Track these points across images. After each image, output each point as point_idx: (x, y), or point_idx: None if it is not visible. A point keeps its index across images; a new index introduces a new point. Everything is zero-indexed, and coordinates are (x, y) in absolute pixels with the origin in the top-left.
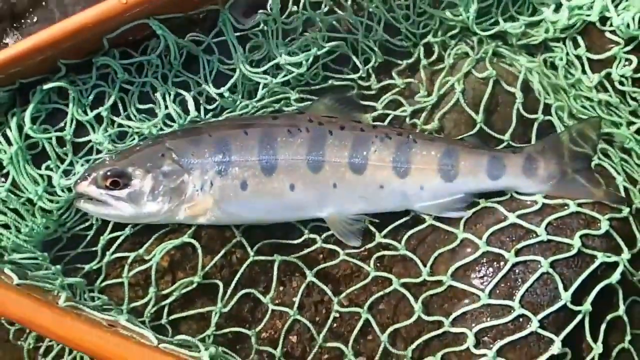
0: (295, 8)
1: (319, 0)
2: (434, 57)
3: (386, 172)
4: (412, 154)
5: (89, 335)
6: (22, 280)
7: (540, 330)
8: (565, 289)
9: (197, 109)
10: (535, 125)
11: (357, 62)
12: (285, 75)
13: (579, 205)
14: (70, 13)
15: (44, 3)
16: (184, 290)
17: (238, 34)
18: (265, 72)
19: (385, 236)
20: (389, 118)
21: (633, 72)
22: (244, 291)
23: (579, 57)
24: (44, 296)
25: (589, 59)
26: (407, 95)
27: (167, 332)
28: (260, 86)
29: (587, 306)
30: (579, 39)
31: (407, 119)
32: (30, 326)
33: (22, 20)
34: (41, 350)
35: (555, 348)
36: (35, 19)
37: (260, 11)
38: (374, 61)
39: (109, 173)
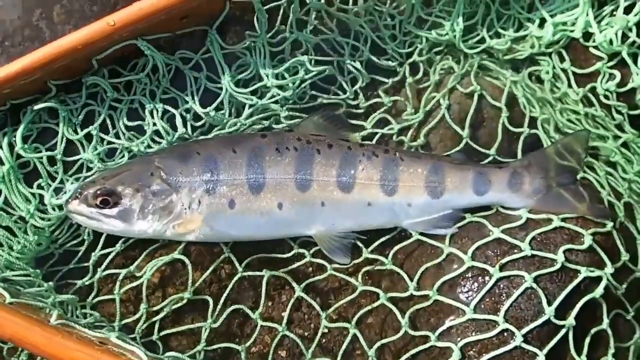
0: (282, 27)
1: (305, 19)
2: (420, 75)
3: (374, 190)
4: (399, 172)
5: (79, 353)
6: (15, 299)
7: (524, 345)
8: (549, 303)
9: (185, 126)
10: (522, 138)
11: (344, 84)
12: (272, 96)
13: (563, 220)
14: (60, 32)
15: (34, 23)
16: (174, 306)
17: (225, 51)
18: (253, 92)
19: (372, 251)
20: (377, 137)
21: (617, 86)
22: (233, 307)
23: (564, 71)
24: (36, 314)
25: (574, 73)
26: (394, 113)
27: (158, 348)
28: (247, 106)
29: (570, 320)
30: (564, 53)
31: (395, 137)
32: (22, 344)
33: (13, 40)
34: None
35: None
36: (25, 38)
37: (248, 33)
38: (362, 81)
39: (99, 192)
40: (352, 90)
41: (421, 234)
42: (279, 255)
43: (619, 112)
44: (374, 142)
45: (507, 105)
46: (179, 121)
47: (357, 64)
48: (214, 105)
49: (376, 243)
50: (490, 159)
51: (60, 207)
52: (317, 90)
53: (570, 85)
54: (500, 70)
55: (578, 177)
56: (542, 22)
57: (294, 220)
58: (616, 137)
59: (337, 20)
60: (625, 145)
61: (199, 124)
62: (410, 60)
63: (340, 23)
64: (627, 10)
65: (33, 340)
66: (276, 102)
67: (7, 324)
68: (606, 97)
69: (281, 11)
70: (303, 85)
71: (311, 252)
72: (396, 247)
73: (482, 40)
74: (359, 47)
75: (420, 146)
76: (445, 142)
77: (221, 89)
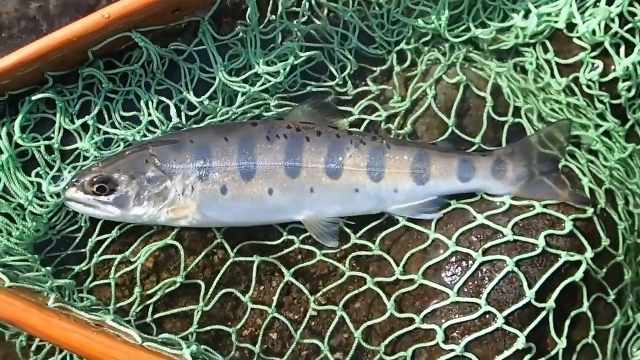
0: (273, 17)
1: (296, 10)
2: (407, 63)
3: (361, 177)
4: (385, 159)
5: (76, 335)
6: (14, 283)
7: (505, 326)
8: (530, 286)
9: (179, 116)
10: (506, 127)
11: (333, 70)
12: (263, 84)
13: (545, 206)
14: (56, 24)
15: (30, 15)
16: (167, 290)
17: (218, 43)
18: (244, 80)
19: (360, 237)
20: (364, 123)
21: (599, 76)
22: (224, 290)
23: (548, 62)
24: (34, 297)
25: (557, 64)
26: (382, 100)
27: (152, 331)
28: (240, 94)
29: (550, 303)
30: (548, 44)
31: (382, 124)
32: (20, 326)
33: (10, 32)
34: (33, 348)
35: (520, 343)
36: (22, 30)
37: (239, 22)
38: (350, 69)
39: (95, 179)
40: (342, 77)
41: (408, 220)
42: (269, 242)
43: (601, 101)
44: (362, 129)
45: (491, 95)
46: (173, 111)
47: (346, 52)
48: (208, 94)
49: (364, 229)
50: (475, 147)
51: (57, 195)
52: (307, 79)
53: (553, 76)
54: (485, 62)
55: (560, 165)
56: (527, 13)
57: (284, 206)
58: (597, 126)
59: (327, 10)
60: (606, 133)
61: (193, 113)
62: (398, 48)
63: (330, 12)
64: (610, 1)
65: (31, 322)
66: (267, 90)
67: (6, 307)
68: (588, 86)
69: (271, 1)
70: (294, 74)
71: (300, 238)
72: (383, 233)
73: (467, 29)
74: (348, 36)
75: (407, 134)
76: (432, 130)
77: (214, 78)
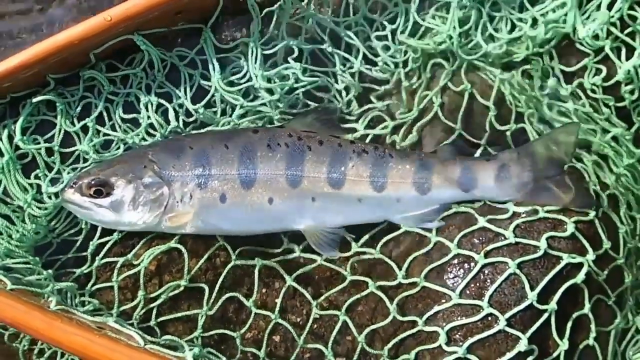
0: (276, 32)
1: (300, 25)
2: (414, 80)
3: (364, 187)
4: (388, 169)
5: (78, 337)
6: (16, 285)
7: (507, 329)
8: (532, 288)
9: (177, 120)
10: (508, 134)
11: (337, 95)
12: (263, 99)
13: (547, 211)
14: (58, 26)
15: (32, 17)
16: (171, 293)
17: (220, 55)
18: (245, 92)
19: (362, 245)
20: (369, 137)
21: (603, 80)
22: (228, 295)
23: (553, 69)
24: (36, 300)
25: (562, 71)
26: (387, 113)
27: (156, 334)
28: (238, 106)
29: (552, 305)
30: (553, 52)
31: (388, 137)
32: (23, 329)
33: (11, 33)
34: (35, 352)
35: (522, 345)
36: (22, 31)
37: (240, 37)
38: (354, 91)
39: (92, 182)
40: (345, 100)
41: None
42: (270, 250)
43: (606, 105)
44: (367, 140)
45: (495, 104)
46: (171, 115)
47: (348, 76)
48: (204, 102)
49: (366, 236)
50: (481, 149)
51: (56, 196)
52: (309, 98)
53: (559, 82)
54: (489, 69)
55: (565, 167)
56: (534, 22)
57: (285, 215)
58: (605, 131)
59: (330, 30)
60: (614, 138)
61: (191, 119)
62: (407, 69)
63: (333, 33)
64: (611, 6)
65: (34, 325)
66: (265, 105)
67: (9, 309)
68: (593, 91)
69: (275, 17)
70: (294, 94)
71: (301, 247)
72: (385, 238)
73: (477, 45)
74: (352, 59)
75: (412, 142)
76: (436, 135)
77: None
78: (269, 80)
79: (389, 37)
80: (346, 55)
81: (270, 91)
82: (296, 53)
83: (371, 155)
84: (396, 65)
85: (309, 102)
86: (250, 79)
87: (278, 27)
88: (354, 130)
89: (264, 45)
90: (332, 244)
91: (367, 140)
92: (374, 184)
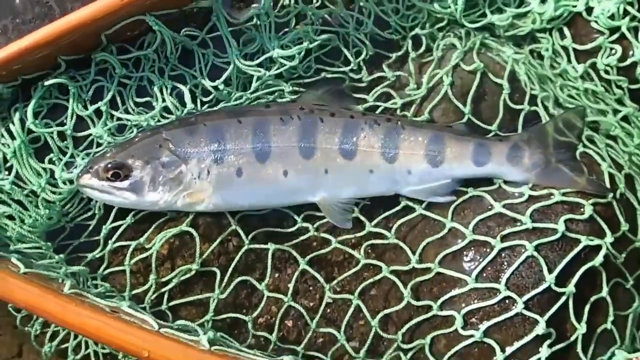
0: (287, 2)
1: None
2: (422, 49)
3: (375, 158)
4: (400, 140)
5: (92, 320)
6: (29, 269)
7: (525, 312)
8: (550, 271)
9: (194, 101)
10: (522, 115)
11: (348, 55)
12: (278, 68)
13: (564, 194)
14: (69, 9)
15: (44, 1)
16: (183, 277)
17: (232, 28)
18: (259, 65)
19: (375, 225)
20: (379, 110)
21: (617, 61)
22: (240, 278)
23: (565, 48)
24: (49, 284)
25: (574, 49)
26: (398, 87)
27: (168, 318)
28: (254, 79)
29: (570, 288)
30: (565, 29)
31: (398, 111)
32: (37, 312)
33: (22, 16)
34: (47, 335)
35: (540, 328)
36: (35, 16)
37: (253, 5)
38: (365, 54)
39: (109, 165)
40: (356, 62)
41: (424, 207)
42: (284, 230)
43: (619, 86)
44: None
45: (508, 83)
46: (187, 97)
47: (362, 36)
48: (222, 78)
49: (379, 217)
50: (491, 134)
51: (70, 181)
52: (321, 65)
53: (570, 62)
54: (502, 48)
55: (578, 151)
56: None
57: (299, 187)
58: (616, 112)
59: None
60: (625, 119)
61: (207, 99)
62: (413, 33)
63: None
64: None
65: (48, 307)
66: (281, 75)
67: (22, 293)
68: (606, 72)
69: None
70: (308, 58)
71: (315, 226)
72: (399, 221)
73: (484, 15)
74: (363, 21)
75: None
76: (448, 115)
77: (227, 63)
78: (282, 48)
79: (400, 0)
80: (359, 16)
81: (287, 58)
82: (309, 20)
83: (383, 126)
84: (405, 29)
85: (321, 67)
86: (263, 50)
87: None
88: (364, 100)
89: (277, 13)
90: (347, 216)
91: (377, 112)
92: (386, 155)
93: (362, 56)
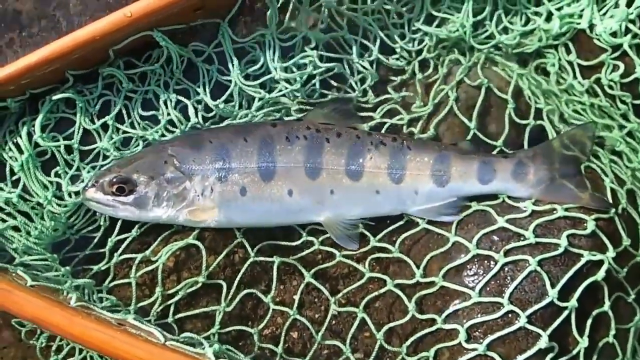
0: (293, 25)
1: (316, 16)
2: (430, 71)
3: (382, 178)
4: (406, 160)
5: (99, 333)
6: (35, 282)
7: (528, 326)
8: (553, 286)
9: (197, 116)
10: (527, 130)
11: (353, 83)
12: (280, 90)
13: (566, 209)
14: (76, 23)
15: (51, 13)
16: (189, 290)
17: (236, 46)
18: (262, 85)
19: (380, 240)
20: (386, 126)
21: (620, 77)
22: (246, 291)
23: (570, 63)
24: (56, 296)
25: (579, 65)
26: (403, 105)
27: (173, 331)
28: (256, 99)
29: (573, 302)
30: (570, 45)
31: (405, 127)
32: (43, 325)
33: (30, 30)
34: (53, 348)
35: (543, 342)
36: (42, 29)
37: (257, 28)
38: (370, 80)
39: (114, 180)
40: (361, 89)
41: (428, 222)
42: (289, 243)
43: (623, 102)
44: (383, 131)
45: (513, 97)
46: (191, 111)
47: (366, 64)
48: (224, 97)
49: (384, 232)
50: (497, 150)
51: (76, 194)
52: (326, 88)
53: (575, 77)
54: (507, 63)
55: (582, 166)
56: (549, 15)
57: (304, 207)
58: (621, 127)
59: (347, 19)
60: (630, 134)
61: (210, 114)
62: (420, 57)
63: (350, 22)
64: (630, 3)
65: (54, 321)
66: (284, 96)
67: (29, 306)
68: (610, 87)
69: (291, 6)
70: (312, 82)
71: (320, 240)
72: (403, 235)
73: (492, 36)
74: (368, 47)
75: (430, 138)
76: (453, 130)
77: (231, 81)
78: (285, 70)
79: (406, 25)
80: (363, 41)
81: (289, 81)
82: (313, 43)
83: (389, 146)
84: (410, 54)
85: (326, 92)
86: (267, 71)
87: (294, 18)
88: (371, 118)
89: (280, 35)
90: (352, 236)
91: (384, 130)
92: (392, 175)
93: (367, 83)
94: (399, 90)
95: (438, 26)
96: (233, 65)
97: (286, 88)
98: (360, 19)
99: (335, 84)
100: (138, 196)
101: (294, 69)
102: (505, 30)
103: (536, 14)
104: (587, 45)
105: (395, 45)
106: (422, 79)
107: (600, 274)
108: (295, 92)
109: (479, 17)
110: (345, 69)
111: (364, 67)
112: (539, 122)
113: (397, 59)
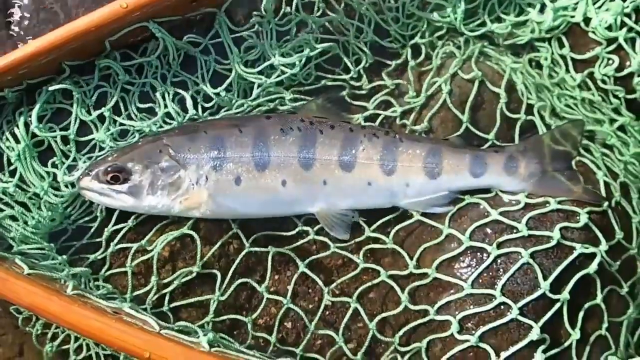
0: (288, 10)
1: (312, 1)
2: (422, 57)
3: (374, 170)
4: (398, 153)
5: (95, 321)
6: (32, 270)
7: (520, 317)
8: (545, 278)
9: (195, 108)
10: (518, 124)
11: (349, 63)
12: (278, 75)
13: (559, 202)
14: (73, 15)
15: (48, 5)
16: (184, 279)
17: (233, 35)
18: (260, 72)
19: (374, 230)
20: (379, 118)
21: (615, 71)
22: (240, 280)
23: (563, 57)
24: (52, 285)
25: (572, 59)
26: (397, 95)
27: (169, 319)
28: (255, 86)
29: (565, 295)
30: (564, 39)
31: (397, 120)
32: (40, 313)
33: (27, 22)
34: (49, 335)
35: (534, 334)
36: (40, 21)
37: (255, 13)
38: (365, 62)
39: (109, 168)
40: (356, 70)
41: (422, 214)
42: (284, 233)
43: (616, 96)
44: (376, 124)
45: (506, 91)
46: (189, 103)
47: (362, 44)
48: (224, 85)
49: (378, 222)
50: (489, 143)
51: (72, 184)
52: (321, 72)
53: (568, 71)
54: (501, 57)
55: (573, 161)
56: (543, 7)
57: (297, 198)
58: (612, 121)
59: (343, 3)
60: (621, 128)
61: (209, 105)
62: (413, 42)
63: (346, 5)
64: None
65: (51, 309)
66: (282, 82)
67: (27, 294)
68: (603, 81)
69: None
70: (308, 66)
71: (315, 229)
72: (397, 227)
73: (483, 24)
74: (363, 29)
75: (423, 131)
76: (447, 123)
77: (230, 70)
78: (283, 56)
79: (400, 9)
80: (359, 24)
81: (288, 66)
82: (309, 27)
83: (382, 139)
84: (404, 37)
85: (322, 75)
86: (266, 58)
87: (290, 4)
88: (364, 109)
89: (278, 21)
90: (344, 227)
91: (377, 122)
92: (384, 167)
93: (362, 64)
94: (393, 77)
95: (431, 12)
96: (232, 53)
97: (284, 73)
98: (355, 3)
99: (330, 68)
100: (133, 185)
101: (292, 53)
102: (498, 20)
103: (530, 5)
104: (581, 38)
105: (390, 28)
106: (414, 66)
107: (593, 266)
108: (294, 76)
109: (472, 5)
110: (341, 50)
111: (359, 48)
112: (529, 117)
113: (391, 41)
